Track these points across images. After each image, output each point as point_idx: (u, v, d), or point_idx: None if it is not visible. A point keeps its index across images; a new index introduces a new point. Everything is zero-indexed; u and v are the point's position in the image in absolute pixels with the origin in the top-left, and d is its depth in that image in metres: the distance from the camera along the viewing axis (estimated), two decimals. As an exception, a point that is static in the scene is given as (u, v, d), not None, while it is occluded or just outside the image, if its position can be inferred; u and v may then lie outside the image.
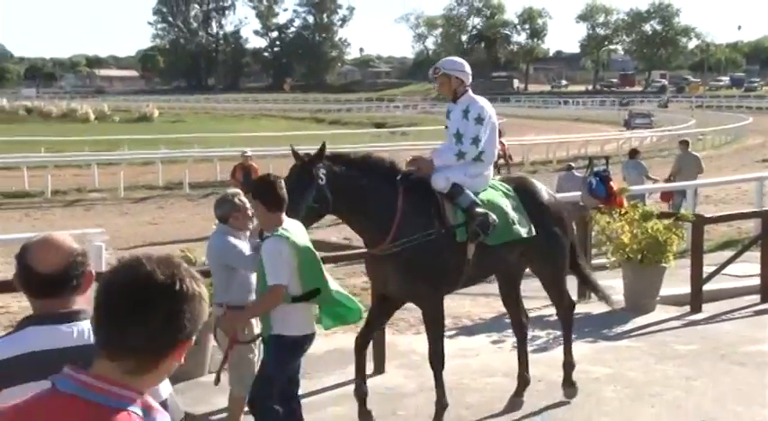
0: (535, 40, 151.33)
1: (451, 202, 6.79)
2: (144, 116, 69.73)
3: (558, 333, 10.21)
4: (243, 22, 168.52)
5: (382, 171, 6.82)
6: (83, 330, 2.81)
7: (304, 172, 6.38)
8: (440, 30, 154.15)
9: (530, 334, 10.22)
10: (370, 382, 8.19)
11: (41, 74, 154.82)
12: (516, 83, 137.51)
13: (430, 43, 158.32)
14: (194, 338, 2.15)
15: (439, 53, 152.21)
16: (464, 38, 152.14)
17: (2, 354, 2.77)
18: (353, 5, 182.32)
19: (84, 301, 2.90)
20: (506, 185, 7.37)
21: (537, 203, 7.36)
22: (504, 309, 11.44)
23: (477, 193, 6.92)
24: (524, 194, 7.34)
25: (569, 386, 7.89)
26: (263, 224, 5.98)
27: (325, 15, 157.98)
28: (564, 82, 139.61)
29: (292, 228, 5.86)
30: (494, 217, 6.79)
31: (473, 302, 11.93)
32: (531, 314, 11.19)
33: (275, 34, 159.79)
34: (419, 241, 6.57)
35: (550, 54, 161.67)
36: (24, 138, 40.08)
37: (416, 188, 6.77)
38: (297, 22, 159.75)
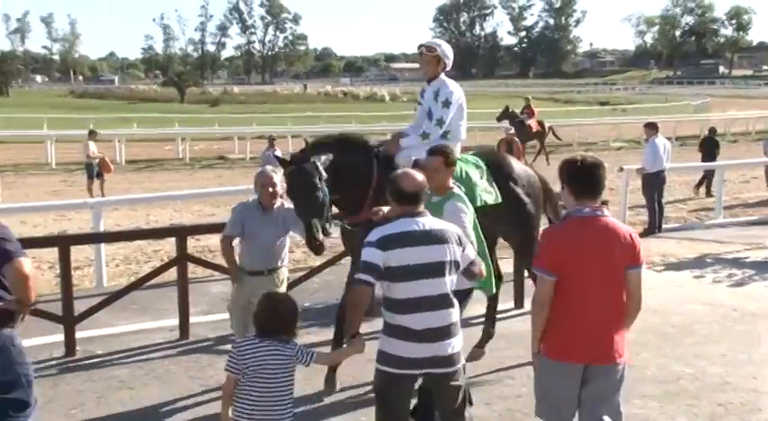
0: (740, 32, 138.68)
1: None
2: (424, 97, 70.53)
3: (752, 271, 9.45)
4: (499, 25, 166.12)
5: (358, 149, 5.66)
6: (424, 222, 3.89)
7: (313, 170, 5.15)
8: (656, 27, 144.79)
9: (727, 271, 9.56)
10: (510, 314, 7.65)
11: (354, 67, 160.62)
12: (721, 69, 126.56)
13: (648, 38, 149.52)
14: None
15: (656, 46, 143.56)
16: (677, 33, 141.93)
17: (392, 231, 3.84)
18: (586, 9, 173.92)
19: (421, 208, 3.96)
20: (477, 159, 6.19)
21: (506, 174, 6.22)
22: (705, 251, 10.81)
23: None
24: (494, 167, 6.17)
25: (479, 347, 6.31)
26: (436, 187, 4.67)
27: (563, 18, 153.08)
28: (765, 67, 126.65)
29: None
30: (459, 186, 5.62)
31: (678, 245, 11.24)
32: (729, 256, 10.45)
33: (523, 33, 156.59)
34: None
35: (753, 44, 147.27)
36: (341, 113, 41.84)
37: (390, 164, 5.61)
38: (540, 24, 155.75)
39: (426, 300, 3.81)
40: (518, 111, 23.44)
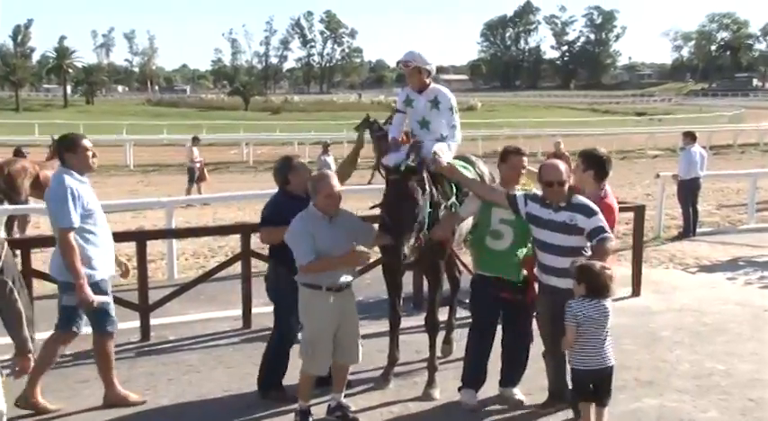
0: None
1: (447, 180, 5.43)
2: (470, 107, 69.95)
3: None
4: (542, 40, 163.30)
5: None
6: None
7: (418, 186, 4.87)
8: (693, 41, 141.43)
9: (758, 274, 9.27)
10: (628, 303, 7.77)
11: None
12: (755, 81, 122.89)
13: (684, 52, 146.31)
14: None
15: (692, 59, 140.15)
16: (713, 47, 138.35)
17: None
18: (626, 25, 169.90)
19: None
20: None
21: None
22: (738, 254, 10.51)
23: None
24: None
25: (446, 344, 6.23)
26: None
27: (603, 33, 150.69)
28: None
29: None
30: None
31: (712, 248, 10.96)
32: (761, 259, 10.14)
33: (565, 48, 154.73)
34: (438, 216, 5.22)
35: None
36: (392, 121, 41.72)
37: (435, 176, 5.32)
38: (582, 39, 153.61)
39: None
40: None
